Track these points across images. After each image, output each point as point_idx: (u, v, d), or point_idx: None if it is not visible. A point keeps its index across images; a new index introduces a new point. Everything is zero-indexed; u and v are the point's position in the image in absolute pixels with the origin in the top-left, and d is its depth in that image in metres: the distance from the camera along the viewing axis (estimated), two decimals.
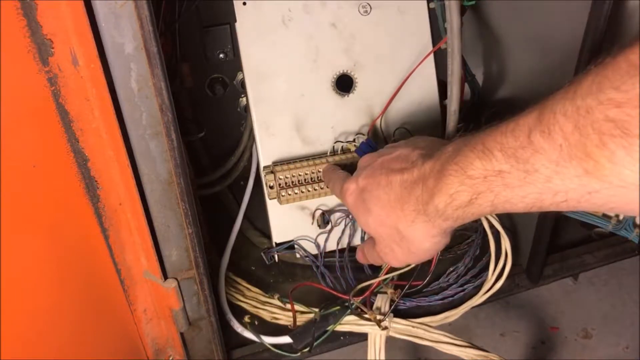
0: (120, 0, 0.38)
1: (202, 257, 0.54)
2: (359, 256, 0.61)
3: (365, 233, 0.70)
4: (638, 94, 0.29)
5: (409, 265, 0.60)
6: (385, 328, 0.64)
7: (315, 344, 0.65)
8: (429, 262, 0.59)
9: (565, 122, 0.32)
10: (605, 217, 0.78)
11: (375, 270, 0.71)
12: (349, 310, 0.65)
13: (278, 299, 0.70)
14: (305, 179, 0.65)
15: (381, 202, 0.48)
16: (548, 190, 0.35)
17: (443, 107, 0.72)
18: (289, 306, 0.69)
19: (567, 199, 0.34)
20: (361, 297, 0.64)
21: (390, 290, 0.65)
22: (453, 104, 0.60)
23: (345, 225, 0.71)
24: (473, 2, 0.62)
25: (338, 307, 0.66)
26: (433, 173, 0.43)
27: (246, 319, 0.68)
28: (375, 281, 0.64)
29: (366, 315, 0.65)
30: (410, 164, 0.47)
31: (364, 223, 0.51)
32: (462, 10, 0.63)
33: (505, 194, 0.38)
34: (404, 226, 0.47)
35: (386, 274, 0.63)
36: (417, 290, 0.71)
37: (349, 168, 0.62)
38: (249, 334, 0.67)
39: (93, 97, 0.43)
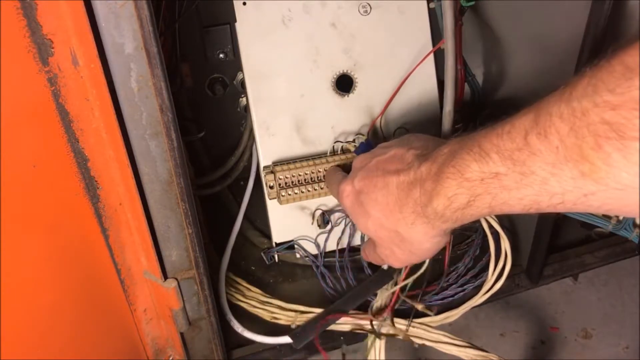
0: (120, 0, 0.38)
1: (202, 257, 0.54)
2: (363, 255, 0.60)
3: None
4: (633, 97, 0.29)
5: (417, 271, 0.59)
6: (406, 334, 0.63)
7: None
8: (440, 266, 0.58)
9: (561, 124, 0.32)
10: (605, 217, 0.77)
11: (375, 268, 0.71)
12: (376, 335, 0.64)
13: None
14: (305, 179, 0.65)
15: (379, 204, 0.48)
16: (545, 192, 0.35)
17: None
18: (288, 306, 0.70)
19: (564, 201, 0.35)
20: (383, 316, 0.63)
21: (419, 305, 0.64)
22: (447, 105, 0.59)
23: (345, 225, 0.71)
24: (472, 3, 0.62)
25: (366, 338, 0.64)
26: (430, 175, 0.43)
27: None
28: (393, 294, 0.62)
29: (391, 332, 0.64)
30: (406, 165, 0.47)
31: (363, 226, 0.51)
32: (462, 10, 0.62)
33: (503, 196, 0.38)
34: (403, 228, 0.47)
35: (404, 279, 0.62)
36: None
37: (349, 168, 0.62)
38: (249, 334, 0.67)
39: (93, 97, 0.43)
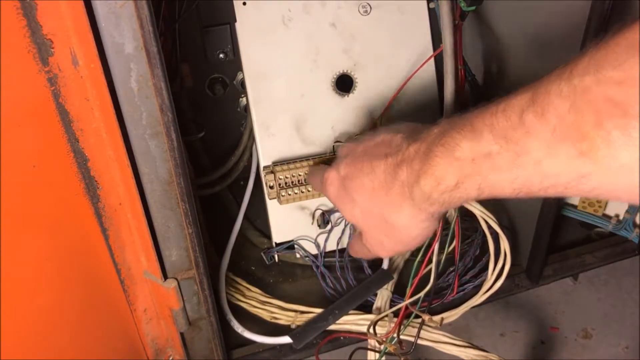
0: (120, 0, 0.38)
1: (202, 257, 0.54)
2: (351, 251, 0.59)
3: None
4: (637, 74, 0.28)
5: (424, 288, 0.58)
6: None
7: None
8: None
9: (560, 102, 0.32)
10: (605, 217, 0.78)
11: (375, 269, 0.71)
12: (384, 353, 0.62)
13: None
14: (305, 179, 0.65)
15: (365, 189, 0.46)
16: (538, 173, 0.34)
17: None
18: (288, 306, 0.69)
19: (556, 183, 0.34)
20: (390, 334, 0.62)
21: (427, 317, 0.62)
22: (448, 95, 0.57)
23: (345, 225, 0.71)
24: (473, 8, 0.62)
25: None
26: (418, 155, 0.42)
27: None
28: (400, 312, 0.61)
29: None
30: (394, 148, 0.45)
31: (349, 214, 0.49)
32: (462, 15, 0.62)
33: (493, 178, 0.36)
34: (390, 213, 0.45)
35: (411, 295, 0.60)
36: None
37: None
38: (249, 334, 0.67)
39: (93, 97, 0.43)
